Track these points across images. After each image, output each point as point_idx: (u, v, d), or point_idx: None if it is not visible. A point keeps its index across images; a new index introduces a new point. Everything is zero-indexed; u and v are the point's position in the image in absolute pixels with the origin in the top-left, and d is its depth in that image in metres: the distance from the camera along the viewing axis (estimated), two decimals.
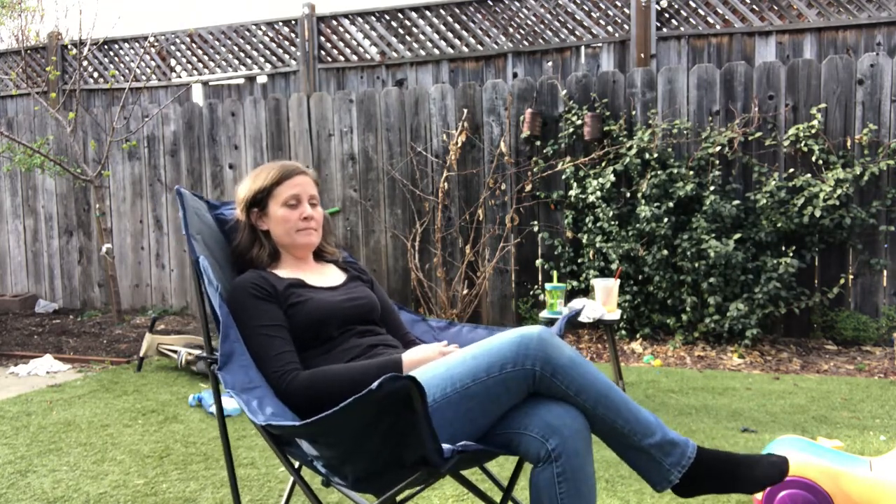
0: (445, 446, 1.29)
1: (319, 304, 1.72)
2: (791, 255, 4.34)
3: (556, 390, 1.43)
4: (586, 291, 4.73)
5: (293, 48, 6.57)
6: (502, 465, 2.57)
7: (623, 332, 4.64)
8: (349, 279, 1.91)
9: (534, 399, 1.45)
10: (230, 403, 3.17)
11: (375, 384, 1.16)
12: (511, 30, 6.00)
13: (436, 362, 1.52)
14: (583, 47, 5.86)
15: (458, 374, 1.44)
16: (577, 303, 3.08)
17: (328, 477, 1.47)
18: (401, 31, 6.28)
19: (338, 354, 1.69)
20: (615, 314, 3.03)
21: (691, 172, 4.45)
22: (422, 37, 6.23)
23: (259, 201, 1.83)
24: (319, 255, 1.96)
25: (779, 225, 4.27)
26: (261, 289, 1.69)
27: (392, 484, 1.36)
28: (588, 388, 1.42)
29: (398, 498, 2.09)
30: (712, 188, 4.40)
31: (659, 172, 4.47)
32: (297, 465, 1.62)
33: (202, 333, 1.72)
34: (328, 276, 1.89)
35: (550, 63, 5.93)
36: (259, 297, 1.68)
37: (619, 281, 3.56)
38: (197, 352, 3.99)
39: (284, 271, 1.83)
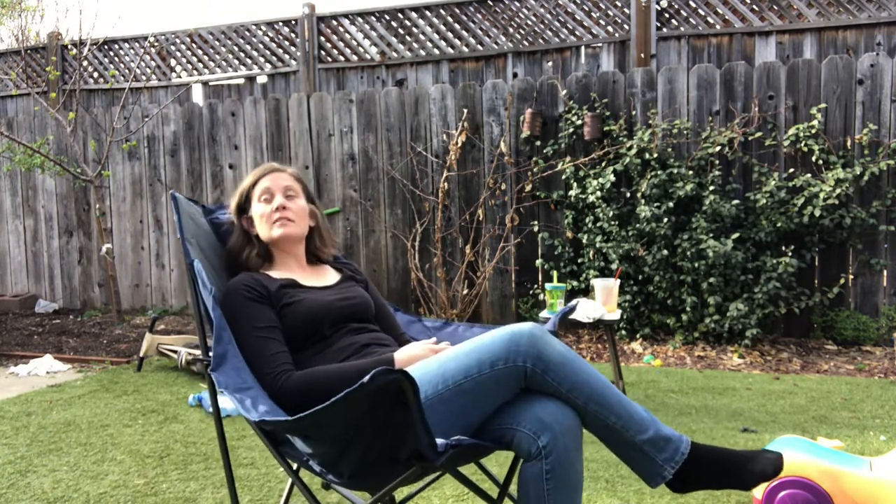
0: (439, 441, 1.30)
1: (312, 303, 1.73)
2: (791, 254, 4.34)
3: (548, 387, 1.43)
4: (586, 291, 4.73)
5: (293, 48, 6.57)
6: (502, 465, 2.57)
7: (623, 332, 4.64)
8: (343, 279, 1.92)
9: (527, 395, 1.46)
10: (229, 404, 3.17)
11: (367, 378, 1.17)
12: (511, 30, 6.00)
13: (428, 360, 1.53)
14: (583, 47, 5.86)
15: (451, 371, 1.45)
16: (575, 301, 3.08)
17: (323, 476, 1.47)
18: (401, 31, 6.28)
19: (332, 353, 1.70)
20: (615, 314, 3.03)
21: (691, 172, 4.45)
22: (422, 37, 6.23)
23: (244, 206, 1.90)
24: (314, 256, 1.97)
25: (779, 225, 4.27)
26: (253, 290, 1.70)
27: (387, 480, 1.36)
28: (580, 384, 1.43)
29: (398, 498, 2.09)
30: (712, 188, 4.40)
31: (659, 172, 4.47)
32: (294, 466, 1.62)
33: (198, 335, 1.72)
34: (322, 277, 1.90)
35: (550, 63, 5.93)
36: (252, 299, 1.69)
37: (619, 281, 3.56)
38: (197, 352, 3.98)
39: (277, 272, 1.84)
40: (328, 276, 1.92)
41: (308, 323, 1.70)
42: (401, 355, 1.62)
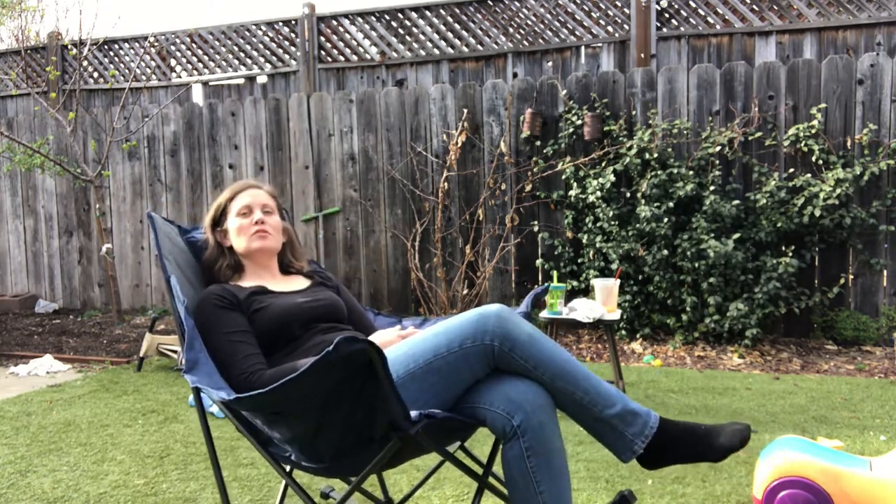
0: (413, 413, 1.34)
1: (280, 306, 1.78)
2: (791, 254, 4.34)
3: (516, 365, 1.48)
4: (586, 291, 4.73)
5: (293, 48, 6.57)
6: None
7: (623, 332, 4.64)
8: (313, 284, 1.98)
9: (498, 375, 1.50)
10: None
11: (331, 346, 1.20)
12: (511, 30, 6.00)
13: (399, 343, 1.59)
14: (583, 47, 5.86)
15: (420, 351, 1.50)
16: (576, 303, 3.08)
17: (306, 465, 1.49)
18: (401, 31, 6.28)
19: (302, 352, 1.73)
20: (615, 314, 3.03)
21: (691, 172, 4.45)
22: (422, 37, 6.23)
23: (219, 219, 1.97)
24: (286, 269, 2.03)
25: (779, 225, 4.27)
26: (223, 299, 1.75)
27: (367, 461, 1.40)
28: (546, 362, 1.47)
29: (396, 499, 2.09)
30: (712, 188, 4.40)
31: (659, 172, 4.47)
32: (288, 468, 1.64)
33: (179, 344, 1.76)
34: (292, 283, 1.96)
35: (550, 63, 5.93)
36: (222, 307, 1.73)
37: (619, 281, 3.56)
38: None
39: (248, 282, 1.90)
40: (298, 283, 1.97)
41: (278, 324, 1.74)
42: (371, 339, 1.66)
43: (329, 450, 1.43)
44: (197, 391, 1.66)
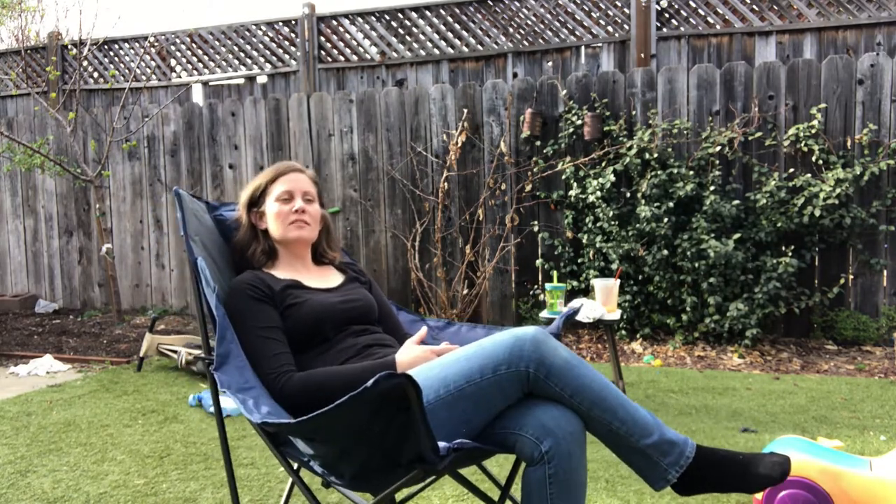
0: (441, 444, 1.30)
1: (316, 305, 1.73)
2: (791, 254, 4.34)
3: (551, 392, 1.42)
4: (586, 291, 4.73)
5: (293, 48, 6.57)
6: (502, 466, 2.57)
7: (623, 332, 4.64)
8: (347, 280, 1.92)
9: (530, 399, 1.45)
10: (230, 404, 3.17)
11: (371, 381, 1.16)
12: (511, 30, 6.00)
13: (430, 363, 1.52)
14: (583, 47, 5.85)
15: (452, 376, 1.43)
16: (576, 302, 3.08)
17: (324, 476, 1.47)
18: (401, 31, 6.28)
19: (334, 355, 1.70)
20: (615, 314, 3.03)
21: (691, 172, 4.45)
22: (422, 37, 6.23)
23: (257, 200, 1.88)
24: (319, 258, 1.97)
25: (779, 225, 4.27)
26: (257, 290, 1.70)
27: (389, 482, 1.36)
28: (583, 390, 1.42)
29: (398, 498, 2.09)
30: (712, 188, 4.40)
31: (659, 172, 4.47)
32: (295, 466, 1.63)
33: (201, 334, 1.73)
34: (326, 278, 1.90)
35: (550, 63, 5.93)
36: (256, 299, 1.69)
37: (619, 281, 3.56)
38: (197, 352, 3.99)
39: (282, 272, 1.84)
40: (332, 278, 1.92)
41: (311, 325, 1.70)
42: (402, 358, 1.61)
43: (352, 469, 1.40)
44: (214, 387, 1.63)
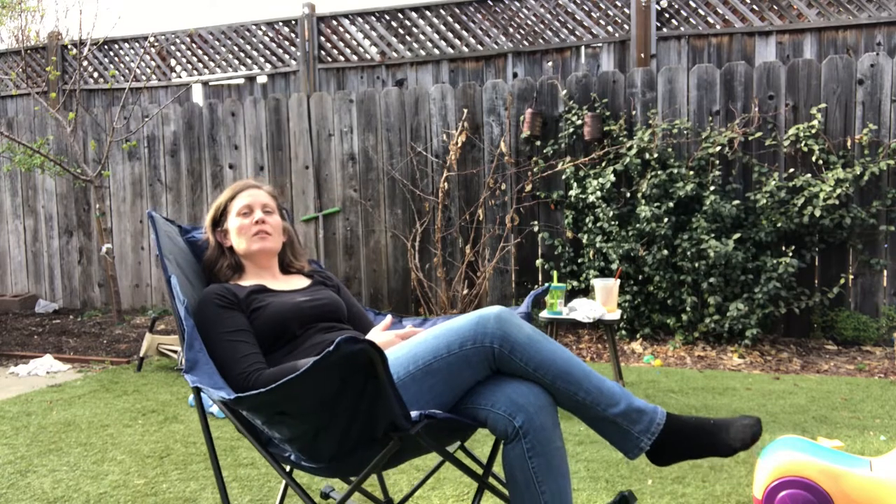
0: (413, 413, 1.34)
1: (280, 305, 1.78)
2: (791, 254, 4.34)
3: (516, 367, 1.48)
4: (586, 291, 4.73)
5: (293, 48, 6.57)
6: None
7: (623, 332, 4.64)
8: (313, 284, 1.98)
9: (499, 377, 1.50)
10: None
11: (332, 346, 1.21)
12: (511, 30, 6.00)
13: (399, 344, 1.58)
14: (583, 47, 5.86)
15: (421, 352, 1.50)
16: (576, 303, 3.08)
17: (307, 464, 1.49)
18: (401, 31, 6.28)
19: (301, 352, 1.74)
20: (615, 314, 3.03)
21: (691, 172, 4.45)
22: (422, 37, 6.23)
23: (219, 219, 1.98)
24: (286, 269, 2.04)
25: (779, 225, 4.27)
26: (224, 298, 1.75)
27: (367, 461, 1.40)
28: (547, 363, 1.47)
29: (397, 499, 2.10)
30: (712, 188, 4.40)
31: (659, 172, 4.47)
32: (288, 468, 1.64)
33: (180, 344, 1.77)
34: (292, 283, 1.96)
35: (550, 63, 5.93)
36: (222, 306, 1.73)
37: (619, 281, 3.56)
38: None
39: (248, 281, 1.91)
40: (298, 283, 1.98)
41: (277, 323, 1.75)
42: (370, 338, 1.65)
43: (329, 450, 1.43)
44: (197, 391, 1.66)
